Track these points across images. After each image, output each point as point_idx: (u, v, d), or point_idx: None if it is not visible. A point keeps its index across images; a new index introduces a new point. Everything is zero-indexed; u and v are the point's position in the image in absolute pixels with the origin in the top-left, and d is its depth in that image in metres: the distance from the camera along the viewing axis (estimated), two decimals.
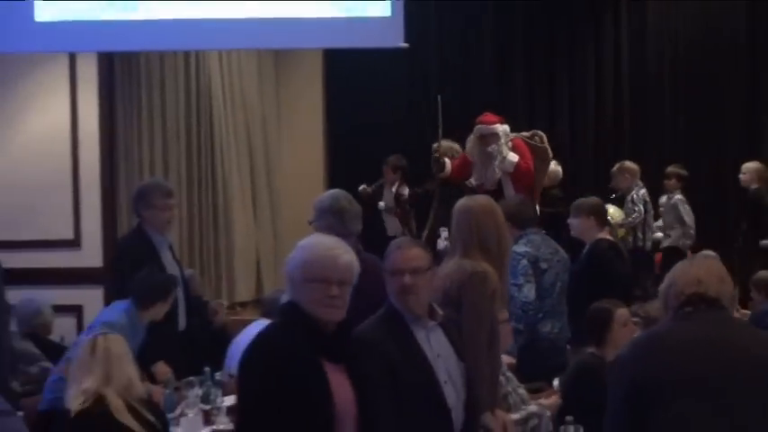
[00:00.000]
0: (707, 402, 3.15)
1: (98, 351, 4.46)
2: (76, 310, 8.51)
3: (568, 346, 6.32)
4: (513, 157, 8.14)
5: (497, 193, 8.06)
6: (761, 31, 11.73)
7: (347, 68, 11.50)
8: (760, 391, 3.18)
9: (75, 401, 4.31)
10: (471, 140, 8.49)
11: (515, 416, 4.80)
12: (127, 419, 4.27)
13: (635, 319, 5.55)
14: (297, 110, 12.17)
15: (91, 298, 8.36)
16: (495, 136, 8.18)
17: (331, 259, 3.26)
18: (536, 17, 12.19)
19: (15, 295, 6.90)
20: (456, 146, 8.88)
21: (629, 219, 9.84)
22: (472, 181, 8.43)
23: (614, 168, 10.21)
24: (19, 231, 8.94)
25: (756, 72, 11.76)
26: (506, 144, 8.19)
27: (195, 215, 10.10)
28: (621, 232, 9.80)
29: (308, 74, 12.06)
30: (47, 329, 7.27)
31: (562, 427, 4.24)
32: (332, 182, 11.12)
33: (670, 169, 10.31)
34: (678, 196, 10.13)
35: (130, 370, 4.57)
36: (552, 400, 5.29)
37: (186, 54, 9.90)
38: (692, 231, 10.04)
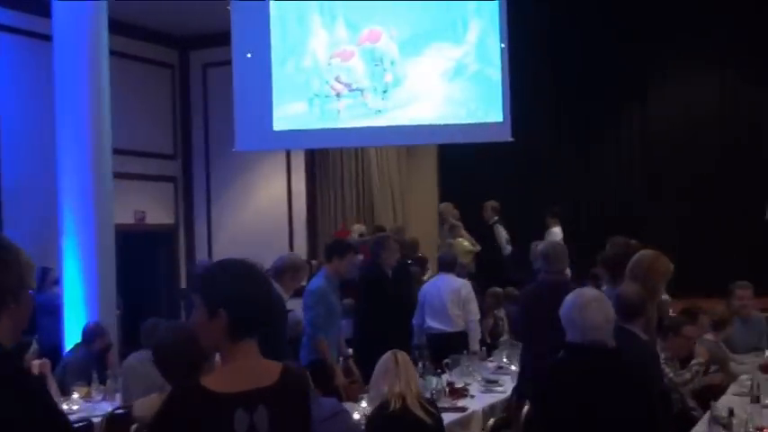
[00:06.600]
0: None
1: (400, 363, 5.10)
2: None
3: None
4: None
5: None
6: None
7: (454, 154, 14.12)
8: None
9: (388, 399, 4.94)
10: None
11: None
12: (419, 412, 4.92)
13: None
14: (420, 180, 14.96)
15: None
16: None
17: None
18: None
19: None
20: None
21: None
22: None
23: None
24: None
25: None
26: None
27: None
28: (468, 258, 11.89)
29: (428, 156, 15.00)
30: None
31: None
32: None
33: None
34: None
35: (416, 376, 5.29)
36: None
37: (356, 148, 13.21)
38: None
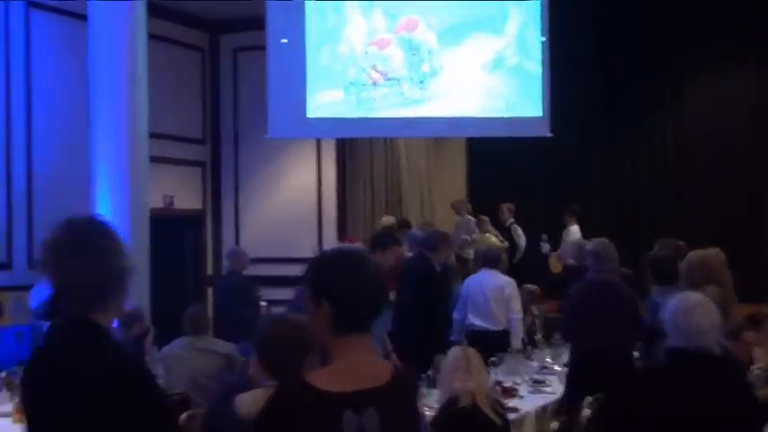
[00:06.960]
0: None
1: (471, 359, 4.97)
2: None
3: None
4: None
5: None
6: None
7: (483, 149, 13.96)
8: None
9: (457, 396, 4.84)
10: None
11: None
12: (489, 412, 4.80)
13: None
14: (448, 174, 14.80)
15: None
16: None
17: None
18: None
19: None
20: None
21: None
22: None
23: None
24: (275, 251, 12.03)
25: None
26: None
27: None
28: None
29: (456, 150, 14.92)
30: None
31: None
32: None
33: None
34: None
35: (487, 375, 5.26)
36: None
37: (385, 141, 12.99)
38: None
